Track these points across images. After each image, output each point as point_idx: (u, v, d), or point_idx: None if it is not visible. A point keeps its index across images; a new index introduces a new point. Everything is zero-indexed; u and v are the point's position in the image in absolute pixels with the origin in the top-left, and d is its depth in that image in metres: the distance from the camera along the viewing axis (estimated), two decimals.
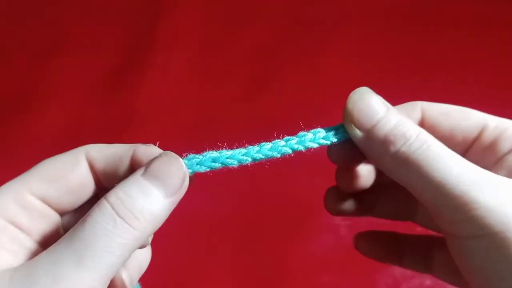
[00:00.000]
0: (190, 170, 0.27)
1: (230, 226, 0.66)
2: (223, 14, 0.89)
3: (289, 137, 0.29)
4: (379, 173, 0.34)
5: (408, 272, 0.60)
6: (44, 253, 0.23)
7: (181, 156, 0.27)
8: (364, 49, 0.83)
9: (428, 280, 0.62)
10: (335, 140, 0.29)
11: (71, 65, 0.83)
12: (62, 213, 0.28)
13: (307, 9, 0.89)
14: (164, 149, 0.27)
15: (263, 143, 0.29)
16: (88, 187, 0.28)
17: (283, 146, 0.28)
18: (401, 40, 0.84)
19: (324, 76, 0.80)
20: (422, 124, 0.30)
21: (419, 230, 0.36)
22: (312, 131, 0.29)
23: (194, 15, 0.88)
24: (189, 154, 0.28)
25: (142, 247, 0.28)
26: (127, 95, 0.79)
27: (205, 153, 0.28)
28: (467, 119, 0.30)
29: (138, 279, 0.30)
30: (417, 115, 0.30)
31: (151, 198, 0.24)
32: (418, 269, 0.36)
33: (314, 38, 0.85)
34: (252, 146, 0.28)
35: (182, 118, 0.77)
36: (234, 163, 0.28)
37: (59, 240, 0.23)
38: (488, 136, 0.29)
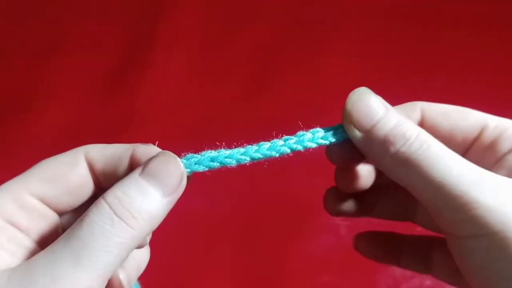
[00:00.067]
0: (189, 170, 0.27)
1: (229, 226, 0.66)
2: (223, 14, 0.89)
3: (288, 136, 0.29)
4: (379, 174, 0.34)
5: (408, 272, 0.60)
6: (42, 252, 0.23)
7: (179, 155, 0.27)
8: (364, 49, 0.83)
9: (428, 280, 0.62)
10: (334, 140, 0.29)
11: (71, 65, 0.83)
12: (61, 213, 0.28)
13: (307, 9, 0.89)
14: (164, 149, 0.27)
15: (262, 143, 0.29)
16: (87, 187, 0.28)
17: (281, 145, 0.28)
18: (401, 40, 0.84)
19: (324, 76, 0.80)
20: (422, 124, 0.30)
21: (419, 230, 0.36)
22: (311, 130, 0.29)
23: (194, 15, 0.88)
24: (188, 153, 0.28)
25: (140, 247, 0.28)
26: (127, 95, 0.79)
27: (203, 152, 0.28)
28: (467, 119, 0.30)
29: (136, 279, 0.30)
30: (417, 115, 0.30)
31: (148, 197, 0.24)
32: (417, 269, 0.36)
33: (314, 38, 0.85)
34: (250, 146, 0.28)
35: (182, 118, 0.77)
36: (233, 163, 0.28)
37: (57, 240, 0.23)
38: (488, 136, 0.29)
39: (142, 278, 0.31)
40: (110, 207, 0.23)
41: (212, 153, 0.28)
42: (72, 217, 0.28)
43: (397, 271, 0.62)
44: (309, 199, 0.60)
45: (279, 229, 0.66)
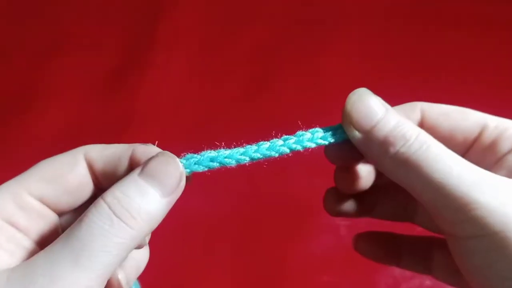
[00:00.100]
0: (188, 170, 0.27)
1: (229, 226, 0.66)
2: (223, 14, 0.89)
3: (287, 136, 0.29)
4: (379, 174, 0.34)
5: (408, 273, 0.60)
6: (41, 253, 0.23)
7: (179, 155, 0.27)
8: (364, 49, 0.83)
9: (428, 280, 0.62)
10: (333, 140, 0.29)
11: (71, 65, 0.83)
12: (60, 214, 0.28)
13: (307, 9, 0.89)
14: (163, 149, 0.27)
15: (261, 142, 0.29)
16: (86, 187, 0.28)
17: (281, 145, 0.28)
18: (401, 40, 0.84)
19: (324, 76, 0.80)
20: (422, 125, 0.30)
21: (419, 230, 0.36)
22: (310, 130, 0.29)
23: (194, 15, 0.88)
24: (187, 153, 0.28)
25: (139, 247, 0.28)
26: (127, 95, 0.79)
27: (203, 152, 0.28)
28: (467, 119, 0.30)
29: (135, 279, 0.30)
30: (417, 116, 0.30)
31: (147, 197, 0.24)
32: (417, 270, 0.36)
33: (314, 38, 0.85)
34: (250, 146, 0.28)
35: (182, 118, 0.77)
36: (232, 163, 0.28)
37: (56, 240, 0.23)
38: (488, 136, 0.29)
39: (142, 278, 0.31)
40: (109, 207, 0.23)
41: (212, 153, 0.28)
42: (72, 217, 0.28)
43: (397, 271, 0.62)
44: (309, 199, 0.60)
45: (279, 229, 0.66)
